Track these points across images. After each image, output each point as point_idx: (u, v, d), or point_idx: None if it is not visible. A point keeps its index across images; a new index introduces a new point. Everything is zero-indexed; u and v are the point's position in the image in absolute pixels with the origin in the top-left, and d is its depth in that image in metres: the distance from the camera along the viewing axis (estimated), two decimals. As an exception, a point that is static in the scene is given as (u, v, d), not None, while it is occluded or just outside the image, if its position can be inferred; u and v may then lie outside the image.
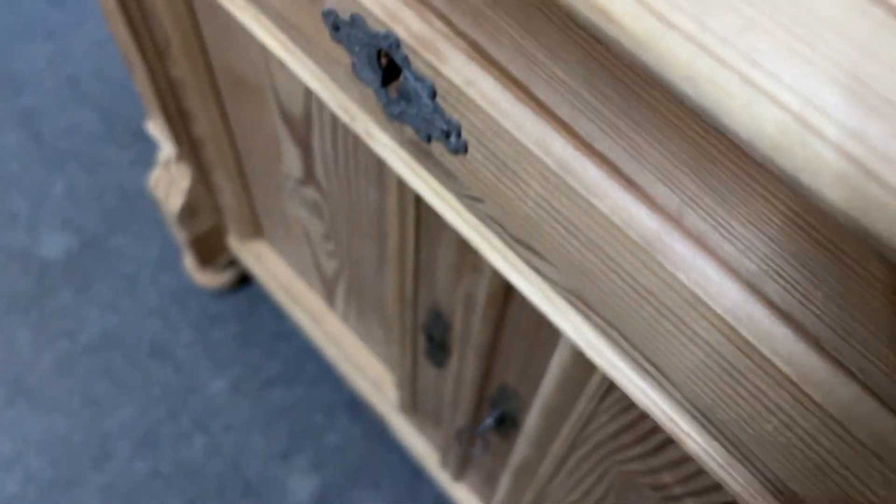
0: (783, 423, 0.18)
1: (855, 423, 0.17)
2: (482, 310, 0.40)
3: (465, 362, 0.48)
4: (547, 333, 0.36)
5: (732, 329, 0.18)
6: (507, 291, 0.38)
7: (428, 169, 0.28)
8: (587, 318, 0.25)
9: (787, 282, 0.17)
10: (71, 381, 0.77)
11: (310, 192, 0.54)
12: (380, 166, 0.41)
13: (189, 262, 0.81)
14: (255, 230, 0.71)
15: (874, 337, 0.16)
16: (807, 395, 0.17)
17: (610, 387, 0.34)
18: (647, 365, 0.23)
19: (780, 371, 0.17)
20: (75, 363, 0.78)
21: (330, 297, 0.67)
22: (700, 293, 0.18)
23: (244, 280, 0.83)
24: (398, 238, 0.44)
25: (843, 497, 0.18)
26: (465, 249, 0.37)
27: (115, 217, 0.87)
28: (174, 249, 0.85)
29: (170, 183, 0.71)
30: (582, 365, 0.34)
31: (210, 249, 0.77)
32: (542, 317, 0.36)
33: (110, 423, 0.75)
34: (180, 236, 0.75)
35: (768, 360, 0.17)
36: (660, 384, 0.24)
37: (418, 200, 0.39)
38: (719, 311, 0.18)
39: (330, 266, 0.62)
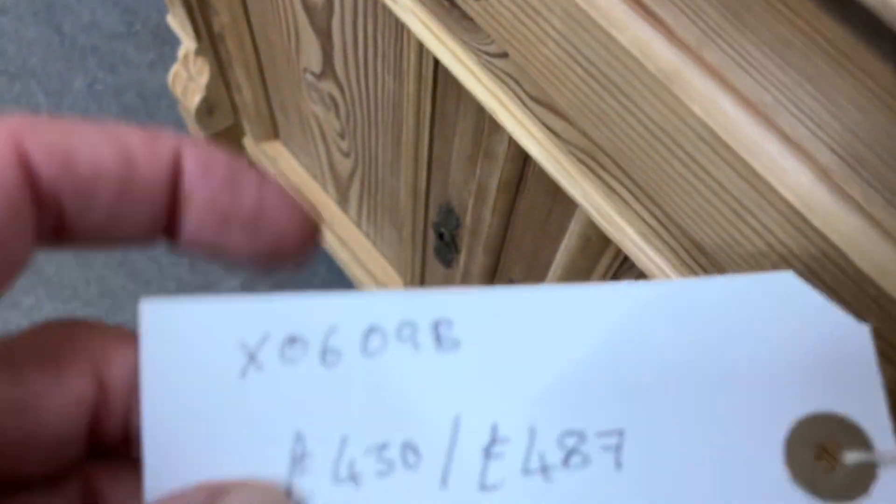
0: (782, 257, 0.19)
1: (857, 253, 0.17)
2: (493, 200, 0.41)
3: (473, 258, 0.49)
4: (556, 221, 0.37)
5: (743, 161, 0.18)
6: (519, 177, 0.38)
7: (448, 27, 0.27)
8: (599, 177, 0.25)
9: (803, 111, 0.17)
10: (88, 272, 0.79)
11: (327, 86, 0.54)
12: (398, 51, 0.41)
13: (205, 162, 0.81)
14: (272, 131, 0.71)
15: (885, 165, 0.16)
16: (811, 225, 0.17)
17: (616, 272, 0.34)
18: (654, 218, 0.23)
19: (786, 202, 0.18)
20: (92, 255, 0.79)
21: (343, 200, 0.68)
22: (714, 126, 0.18)
23: (259, 185, 0.84)
24: (414, 128, 0.44)
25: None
26: (480, 135, 0.37)
27: (134, 116, 0.87)
28: (191, 151, 0.85)
29: (188, 79, 0.71)
30: (590, 250, 0.34)
31: (227, 149, 0.78)
32: (552, 204, 0.37)
33: (125, 314, 0.77)
34: (198, 134, 0.75)
35: (776, 192, 0.18)
36: (666, 242, 0.24)
37: (435, 84, 0.39)
38: (731, 143, 0.18)
39: (344, 166, 0.62)
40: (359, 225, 0.69)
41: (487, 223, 0.43)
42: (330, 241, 0.71)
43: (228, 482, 0.15)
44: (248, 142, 0.75)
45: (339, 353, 0.16)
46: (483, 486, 0.16)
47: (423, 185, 0.48)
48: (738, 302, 0.16)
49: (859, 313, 0.17)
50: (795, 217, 0.18)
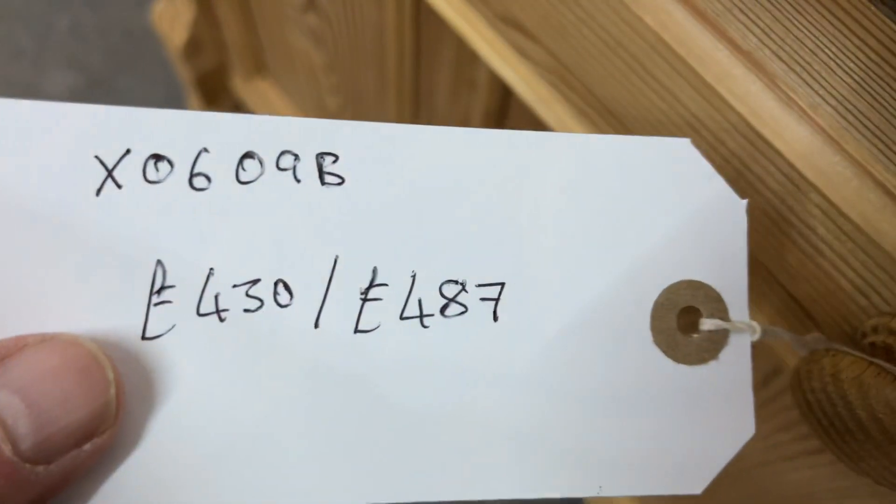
0: (736, 170, 0.19)
1: (803, 162, 0.17)
2: (476, 131, 0.41)
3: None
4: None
5: (694, 72, 0.18)
6: (500, 108, 0.38)
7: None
8: (569, 100, 0.25)
9: (750, 19, 0.17)
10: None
11: (312, 19, 0.54)
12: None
13: (194, 103, 0.81)
14: (260, 67, 0.71)
15: (831, 73, 0.17)
16: (760, 135, 0.18)
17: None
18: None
19: (735, 111, 0.18)
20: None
21: (332, 137, 0.68)
22: (666, 37, 0.18)
23: (250, 125, 0.84)
24: (397, 59, 0.44)
25: (790, 249, 0.19)
26: (461, 65, 0.37)
27: (121, 57, 0.86)
28: (180, 92, 0.85)
29: (174, 16, 0.70)
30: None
31: (215, 89, 0.77)
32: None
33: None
34: (185, 74, 0.74)
35: (725, 101, 0.18)
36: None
37: (416, 13, 0.38)
38: (682, 52, 0.18)
39: (333, 103, 0.62)
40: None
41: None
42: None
43: (26, 336, 0.13)
44: (237, 82, 0.74)
45: (210, 178, 0.15)
46: (358, 330, 0.15)
47: (408, 117, 0.48)
48: (631, 161, 0.16)
49: (805, 221, 0.18)
50: (745, 127, 0.18)
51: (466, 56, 0.36)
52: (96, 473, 0.14)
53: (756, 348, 0.30)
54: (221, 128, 0.15)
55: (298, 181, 0.15)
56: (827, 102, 0.17)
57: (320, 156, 0.15)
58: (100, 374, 0.13)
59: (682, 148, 0.16)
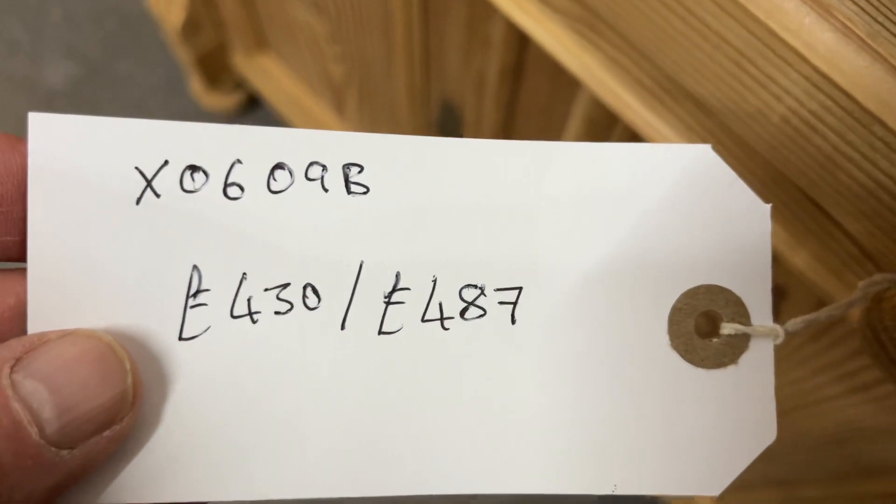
0: (789, 108, 0.18)
1: (862, 92, 0.17)
2: (494, 90, 0.40)
3: (477, 154, 0.48)
4: (559, 106, 0.36)
5: (742, 7, 0.17)
6: (517, 65, 0.37)
7: None
8: (598, 47, 0.24)
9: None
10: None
11: (313, -12, 0.52)
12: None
13: (196, 84, 0.80)
14: (260, 42, 0.70)
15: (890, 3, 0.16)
16: (817, 69, 0.17)
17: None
18: (657, 84, 0.23)
19: (788, 46, 0.17)
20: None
21: (340, 108, 0.67)
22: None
23: (254, 103, 0.83)
24: (404, 20, 0.43)
25: (848, 185, 0.19)
26: (474, 22, 0.36)
27: (118, 42, 0.85)
28: (181, 74, 0.84)
29: (169, -3, 0.68)
30: (595, 132, 0.34)
31: (216, 69, 0.76)
32: (553, 89, 0.36)
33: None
34: (185, 56, 0.73)
35: (777, 36, 0.17)
36: (671, 109, 0.24)
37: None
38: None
39: (338, 72, 0.60)
40: (360, 132, 0.68)
41: (489, 116, 0.42)
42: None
43: (48, 332, 0.14)
44: (238, 60, 0.73)
45: (243, 188, 0.16)
46: (381, 331, 0.16)
47: (420, 83, 0.47)
48: (651, 169, 0.16)
49: (866, 154, 0.17)
50: (799, 62, 0.17)
51: (480, 11, 0.35)
52: (135, 460, 0.15)
53: (795, 292, 0.29)
54: (254, 140, 0.16)
55: (326, 190, 0.16)
56: (887, 29, 0.17)
57: (346, 166, 0.16)
58: (117, 364, 0.14)
59: (702, 154, 0.16)
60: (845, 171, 0.18)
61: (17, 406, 0.13)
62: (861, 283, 0.18)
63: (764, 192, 0.23)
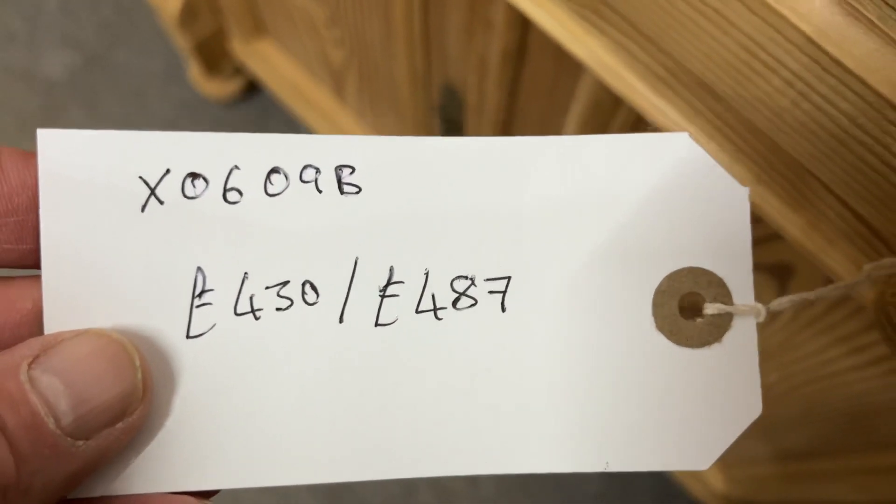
0: (800, 93, 0.18)
1: (874, 75, 0.16)
2: (496, 72, 0.39)
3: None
4: (562, 89, 0.36)
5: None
6: (519, 47, 0.37)
7: None
8: (603, 32, 0.24)
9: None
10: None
11: (310, -28, 0.52)
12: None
13: (195, 71, 0.79)
14: (259, 28, 0.69)
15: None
16: (827, 53, 0.17)
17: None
18: (664, 68, 0.23)
19: (797, 30, 0.17)
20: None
21: (340, 92, 0.66)
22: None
23: (253, 89, 0.82)
24: (404, 4, 0.42)
25: (860, 168, 0.19)
26: (475, 3, 0.36)
27: (115, 31, 0.84)
28: (179, 61, 0.83)
29: (164, -17, 0.68)
30: (600, 115, 0.33)
31: (214, 55, 0.75)
32: (557, 71, 0.36)
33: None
34: (183, 42, 0.73)
35: (786, 20, 0.17)
36: (679, 94, 0.24)
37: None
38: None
39: (338, 56, 0.60)
40: (361, 116, 0.68)
41: (492, 99, 0.42)
42: (333, 137, 0.70)
43: (63, 332, 0.16)
44: (236, 45, 0.73)
45: (242, 192, 0.17)
46: (378, 323, 0.17)
47: (420, 66, 0.47)
48: (632, 159, 0.17)
49: (878, 138, 0.17)
50: (809, 45, 0.17)
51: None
52: (148, 452, 0.16)
53: (803, 269, 0.29)
54: (250, 147, 0.16)
55: (320, 191, 0.17)
56: (898, 10, 0.16)
57: (339, 168, 0.17)
58: (127, 360, 0.15)
59: (680, 142, 0.17)
60: (857, 155, 0.18)
61: (34, 398, 0.14)
62: (867, 266, 0.18)
63: (772, 177, 0.23)
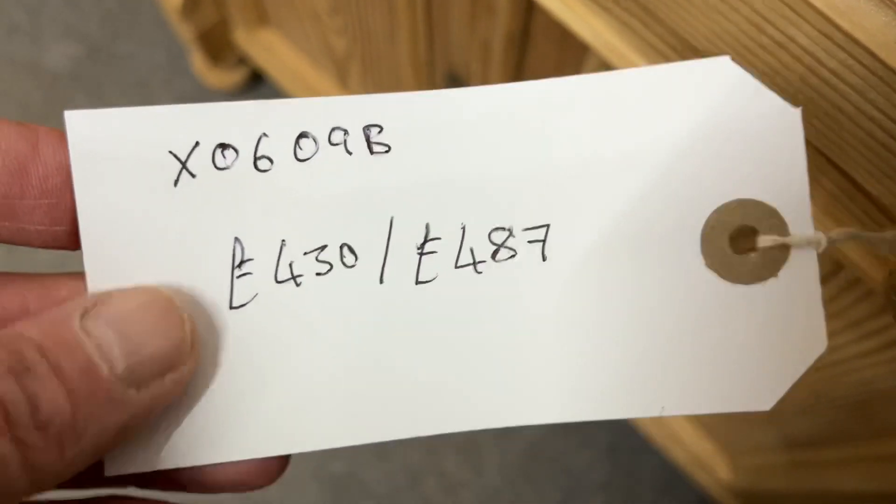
0: (808, 68, 0.18)
1: (884, 49, 0.16)
2: (500, 58, 0.39)
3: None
4: (567, 74, 0.36)
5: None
6: (523, 30, 0.36)
7: None
8: (608, 10, 0.24)
9: None
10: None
11: (312, -41, 0.51)
12: None
13: (198, 61, 0.79)
14: (261, 17, 0.69)
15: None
16: (838, 26, 0.17)
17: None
18: (670, 48, 0.23)
19: (807, 3, 0.17)
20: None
21: (344, 81, 0.66)
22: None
23: (257, 79, 0.82)
24: (408, -11, 0.42)
25: (870, 144, 0.18)
26: (478, -11, 0.36)
27: (118, 22, 0.84)
28: (182, 52, 0.83)
29: (166, -27, 0.68)
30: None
31: (217, 46, 0.75)
32: (561, 55, 0.35)
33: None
34: (185, 33, 0.73)
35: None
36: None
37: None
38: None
39: (341, 45, 0.60)
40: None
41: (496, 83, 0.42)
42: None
43: (113, 290, 0.16)
44: (239, 35, 0.72)
45: (272, 159, 0.16)
46: (418, 281, 0.17)
47: (424, 53, 0.47)
48: (672, 88, 0.16)
49: (889, 113, 0.17)
50: (819, 19, 0.17)
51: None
52: (195, 422, 0.16)
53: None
54: (276, 113, 0.16)
55: (350, 153, 0.16)
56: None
57: (367, 128, 0.16)
58: (176, 314, 0.16)
59: (723, 66, 0.16)
60: (867, 131, 0.18)
61: (89, 345, 0.14)
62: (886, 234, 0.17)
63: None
